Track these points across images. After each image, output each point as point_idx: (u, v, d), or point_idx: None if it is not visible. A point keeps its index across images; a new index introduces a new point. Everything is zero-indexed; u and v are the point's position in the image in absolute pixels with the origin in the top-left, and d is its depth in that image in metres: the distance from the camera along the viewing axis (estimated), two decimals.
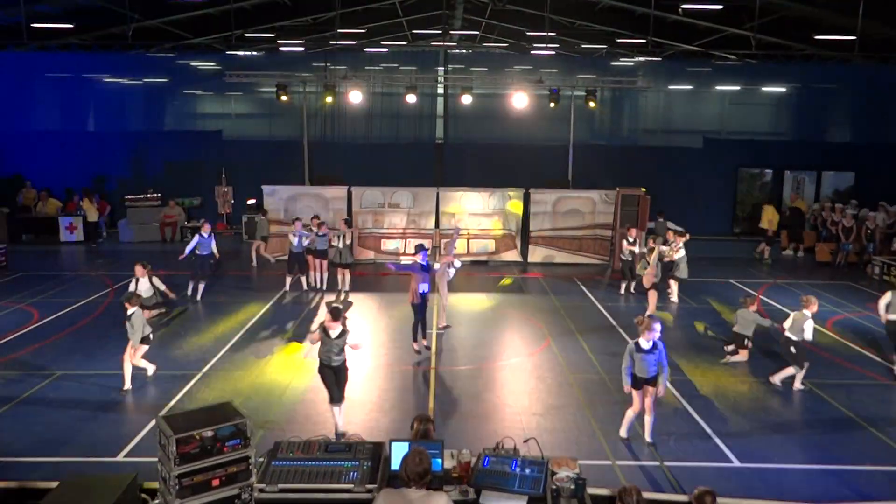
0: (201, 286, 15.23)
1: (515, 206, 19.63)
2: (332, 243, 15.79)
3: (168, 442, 4.74)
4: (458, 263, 12.99)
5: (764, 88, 26.52)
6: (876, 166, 23.76)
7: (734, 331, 11.50)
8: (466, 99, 21.80)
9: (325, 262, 16.01)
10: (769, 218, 20.93)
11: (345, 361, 8.49)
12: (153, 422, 5.93)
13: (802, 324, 10.13)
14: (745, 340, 11.38)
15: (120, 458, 7.80)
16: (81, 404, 9.30)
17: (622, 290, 16.20)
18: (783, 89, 26.47)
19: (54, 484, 5.33)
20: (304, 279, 16.10)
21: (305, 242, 15.76)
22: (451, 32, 25.29)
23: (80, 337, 12.25)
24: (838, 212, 20.05)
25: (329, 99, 21.37)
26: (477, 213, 19.59)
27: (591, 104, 21.43)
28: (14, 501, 5.60)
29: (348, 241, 16.12)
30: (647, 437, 8.40)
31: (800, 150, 24.72)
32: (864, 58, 21.72)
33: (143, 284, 12.21)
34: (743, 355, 11.41)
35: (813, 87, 25.81)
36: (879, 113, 25.00)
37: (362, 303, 15.19)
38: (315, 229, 15.78)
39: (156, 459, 5.05)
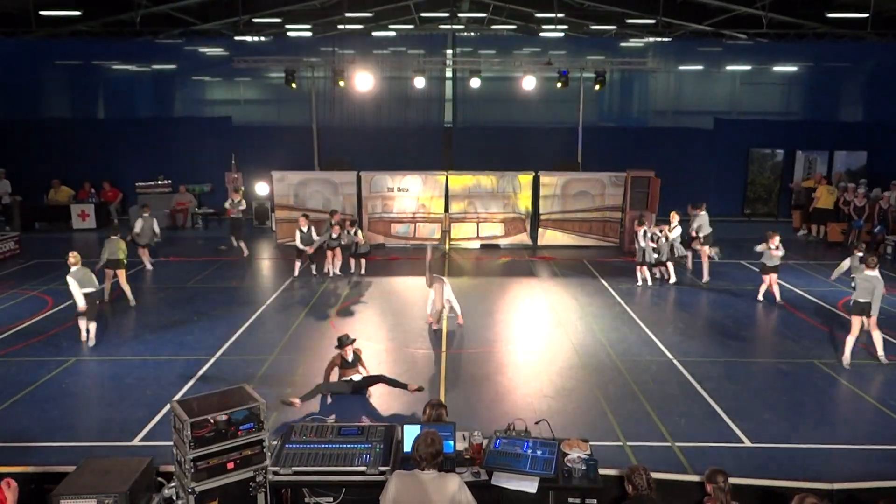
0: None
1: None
2: (343, 240, 16.00)
3: (183, 426, 4.80)
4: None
5: (775, 68, 26.22)
6: (888, 145, 23.50)
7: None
8: (475, 82, 21.69)
9: (338, 250, 16.07)
10: (831, 197, 20.77)
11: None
12: (168, 406, 5.99)
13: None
14: None
15: (136, 442, 7.89)
16: (97, 389, 9.42)
17: (649, 281, 15.43)
18: (795, 68, 26.16)
19: (72, 468, 5.41)
20: (313, 266, 16.12)
21: (315, 237, 15.83)
22: (459, 15, 25.15)
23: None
24: (850, 191, 19.90)
25: (341, 83, 21.33)
26: (486, 197, 19.58)
27: (598, 86, 21.33)
28: (33, 485, 5.69)
29: (359, 237, 16.25)
30: (881, 355, 10.44)
31: (811, 130, 24.45)
32: (877, 35, 21.46)
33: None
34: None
35: (825, 66, 25.48)
36: (892, 91, 24.68)
37: (372, 286, 15.24)
38: (333, 234, 15.93)
39: (171, 443, 5.12)
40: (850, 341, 10.36)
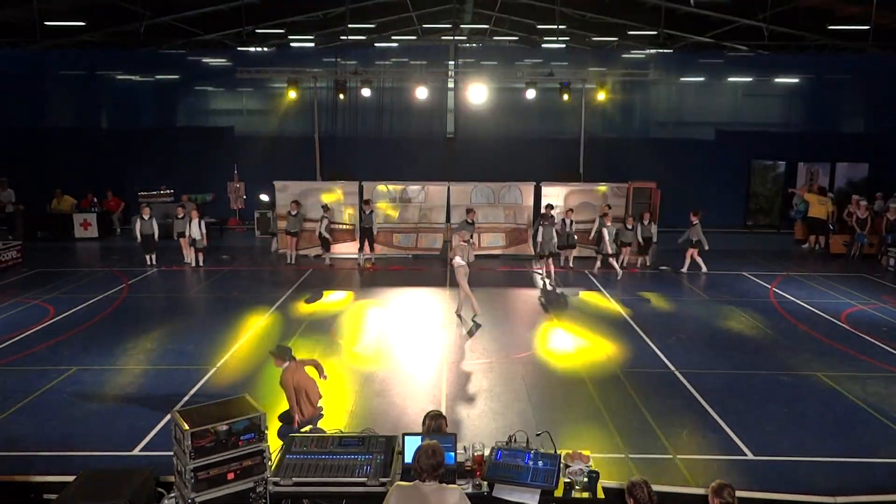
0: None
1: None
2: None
3: (184, 436, 4.78)
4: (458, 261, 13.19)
5: (777, 79, 26.27)
6: (890, 157, 23.53)
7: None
8: (477, 93, 21.70)
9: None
10: (822, 207, 20.67)
11: None
12: (168, 416, 5.98)
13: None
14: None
15: (136, 452, 7.87)
16: (97, 399, 9.39)
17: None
18: (796, 80, 26.21)
19: (71, 478, 5.40)
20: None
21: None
22: (462, 26, 25.23)
23: (96, 332, 12.35)
24: (854, 203, 19.87)
25: (341, 96, 21.44)
26: (488, 207, 19.57)
27: (600, 97, 21.39)
28: (32, 495, 5.68)
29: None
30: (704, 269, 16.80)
31: (813, 142, 24.50)
32: (878, 47, 21.50)
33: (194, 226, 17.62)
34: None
35: (826, 78, 25.55)
36: (894, 103, 24.72)
37: (374, 297, 15.23)
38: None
39: (171, 454, 5.10)
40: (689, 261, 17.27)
